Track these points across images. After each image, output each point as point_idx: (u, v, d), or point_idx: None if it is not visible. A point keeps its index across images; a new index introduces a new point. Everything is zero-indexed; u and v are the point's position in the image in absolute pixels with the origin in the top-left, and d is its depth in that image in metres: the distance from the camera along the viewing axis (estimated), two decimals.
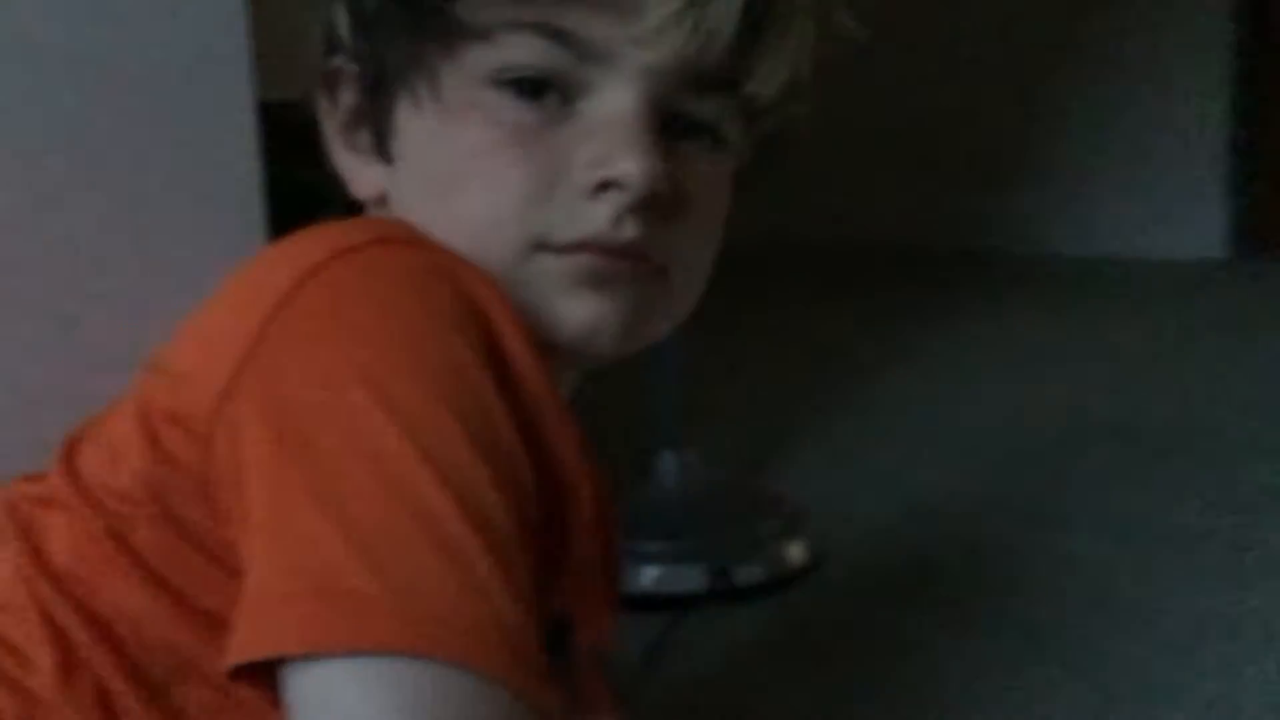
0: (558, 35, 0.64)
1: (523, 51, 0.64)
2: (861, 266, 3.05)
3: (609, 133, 0.64)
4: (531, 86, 0.65)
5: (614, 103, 0.65)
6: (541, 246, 0.65)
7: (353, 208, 0.73)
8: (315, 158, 0.77)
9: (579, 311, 0.65)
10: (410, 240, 0.63)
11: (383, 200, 0.70)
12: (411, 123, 0.68)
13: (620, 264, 0.65)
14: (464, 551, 0.53)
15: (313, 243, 0.61)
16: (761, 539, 1.68)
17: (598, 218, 0.64)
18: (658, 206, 0.65)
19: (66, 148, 0.97)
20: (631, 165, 0.63)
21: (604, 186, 0.64)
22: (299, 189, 0.83)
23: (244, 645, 0.53)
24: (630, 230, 0.64)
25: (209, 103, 1.00)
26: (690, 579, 1.60)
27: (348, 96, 0.71)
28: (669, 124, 0.66)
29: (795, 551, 1.67)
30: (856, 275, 3.01)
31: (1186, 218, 3.23)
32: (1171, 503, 1.85)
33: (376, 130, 0.70)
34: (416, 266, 0.60)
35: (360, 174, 0.71)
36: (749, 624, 1.56)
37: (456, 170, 0.66)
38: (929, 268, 3.05)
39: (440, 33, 0.65)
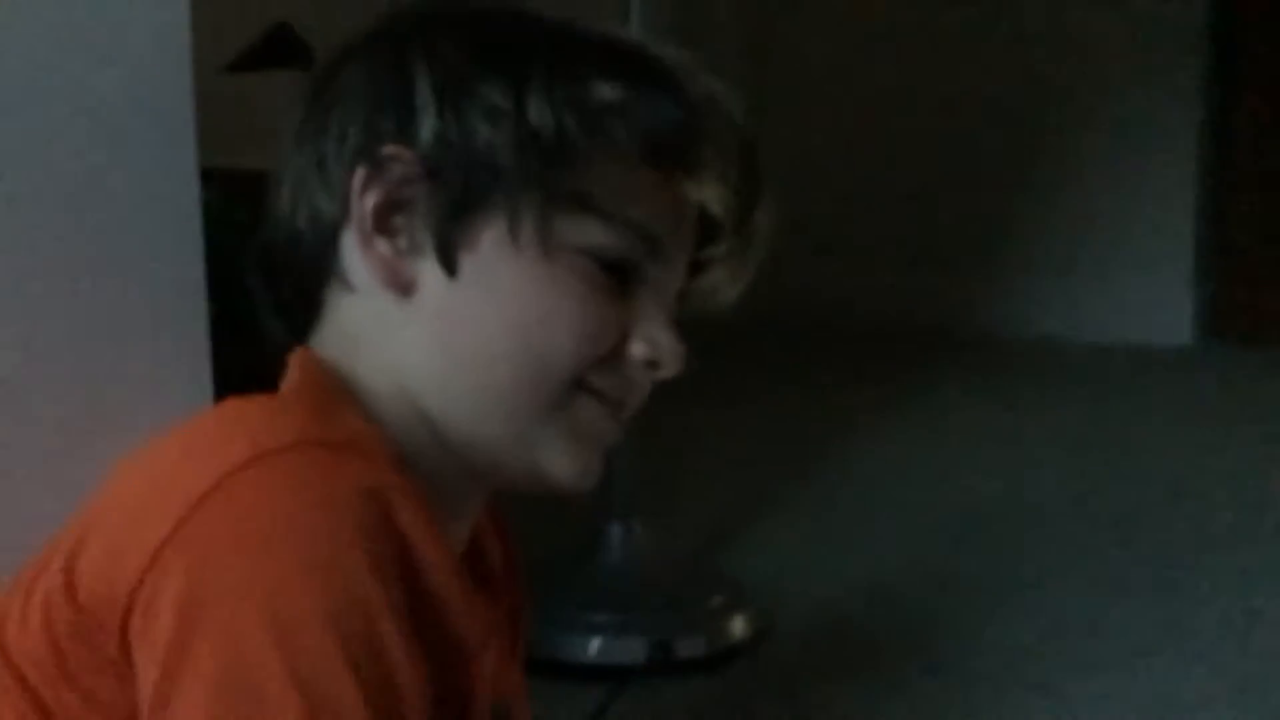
0: (651, 241, 0.77)
1: (625, 245, 0.76)
2: (831, 345, 3.07)
3: (656, 316, 0.77)
4: (612, 264, 0.76)
5: (663, 292, 0.78)
6: (583, 387, 0.76)
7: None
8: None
9: (577, 463, 0.78)
10: (328, 442, 0.67)
11: (406, 291, 0.76)
12: (500, 250, 0.75)
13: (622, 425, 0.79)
14: None
15: (236, 433, 0.67)
16: (704, 613, 1.69)
17: (643, 386, 0.79)
18: None
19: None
20: (677, 355, 0.78)
21: (651, 364, 0.78)
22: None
23: None
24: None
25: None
26: (631, 650, 1.61)
27: (406, 190, 0.75)
28: None
29: (738, 626, 1.68)
30: (823, 354, 3.03)
31: (1156, 304, 3.27)
32: (1117, 593, 1.86)
33: (444, 239, 0.75)
34: (332, 484, 0.65)
35: (389, 263, 0.76)
36: (689, 697, 1.57)
37: (549, 306, 0.75)
38: (898, 348, 3.06)
39: (575, 202, 0.75)
